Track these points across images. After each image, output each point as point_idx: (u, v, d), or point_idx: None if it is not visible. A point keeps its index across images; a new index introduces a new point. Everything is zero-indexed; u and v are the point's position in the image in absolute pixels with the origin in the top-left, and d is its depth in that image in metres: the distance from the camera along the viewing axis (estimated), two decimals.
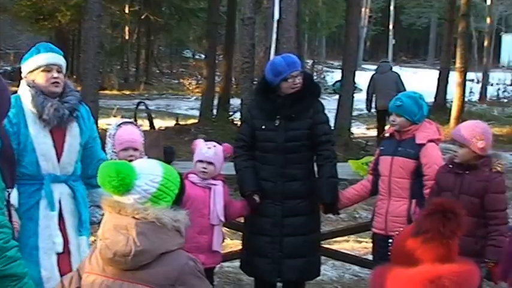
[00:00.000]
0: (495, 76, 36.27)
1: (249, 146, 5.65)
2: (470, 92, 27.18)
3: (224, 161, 5.50)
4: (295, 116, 5.52)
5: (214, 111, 18.26)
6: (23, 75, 4.68)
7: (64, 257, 4.61)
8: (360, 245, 8.30)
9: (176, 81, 35.74)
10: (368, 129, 20.08)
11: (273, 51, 10.19)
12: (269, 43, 10.46)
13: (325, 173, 5.59)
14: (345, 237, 8.26)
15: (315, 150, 5.61)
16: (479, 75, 33.11)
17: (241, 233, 6.16)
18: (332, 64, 43.32)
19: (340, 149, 11.74)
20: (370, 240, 5.87)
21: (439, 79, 22.74)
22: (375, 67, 17.98)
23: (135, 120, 6.50)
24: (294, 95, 5.51)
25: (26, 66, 4.65)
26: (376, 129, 16.57)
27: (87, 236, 4.80)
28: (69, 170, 4.69)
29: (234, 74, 21.36)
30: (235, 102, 18.09)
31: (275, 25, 10.39)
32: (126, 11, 29.68)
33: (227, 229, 6.93)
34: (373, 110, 16.26)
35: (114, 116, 17.21)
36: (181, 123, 17.73)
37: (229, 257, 6.59)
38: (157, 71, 39.25)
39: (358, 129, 19.69)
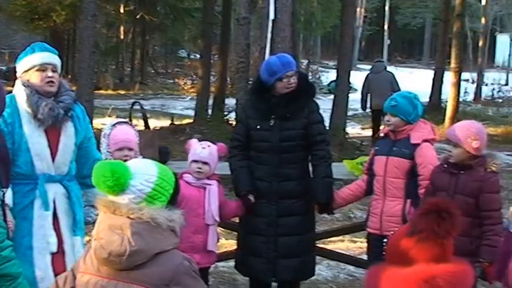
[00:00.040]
0: (490, 76, 36.38)
1: (244, 145, 5.65)
2: (465, 92, 27.26)
3: (219, 160, 5.50)
4: (290, 115, 5.52)
5: (209, 111, 18.26)
6: (18, 74, 4.68)
7: (58, 257, 4.60)
8: (354, 245, 8.31)
9: (171, 81, 35.75)
10: (363, 129, 20.10)
11: (268, 51, 10.18)
12: (264, 43, 10.44)
13: (320, 172, 5.59)
14: (340, 237, 8.27)
15: (310, 150, 5.61)
16: (474, 75, 33.16)
17: (236, 233, 6.15)
18: (327, 64, 43.34)
19: (335, 148, 11.74)
20: (365, 240, 5.87)
21: (433, 79, 22.81)
22: (370, 67, 17.99)
23: (130, 120, 6.50)
24: (288, 95, 5.51)
25: (21, 65, 4.64)
26: (371, 129, 16.59)
27: (82, 236, 4.79)
28: (64, 169, 4.69)
29: (229, 73, 21.35)
30: (230, 102, 18.10)
31: (270, 25, 10.38)
32: (121, 10, 29.65)
33: (222, 229, 6.93)
34: (368, 110, 16.27)
35: (109, 116, 17.20)
36: (176, 123, 17.73)
37: (224, 256, 6.59)
38: (153, 71, 39.26)
39: (353, 129, 19.72)
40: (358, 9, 40.65)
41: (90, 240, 3.28)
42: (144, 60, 36.15)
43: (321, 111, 5.72)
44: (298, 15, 26.18)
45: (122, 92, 28.93)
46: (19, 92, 4.58)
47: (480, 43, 34.69)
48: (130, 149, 5.08)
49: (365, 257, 6.21)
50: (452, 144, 4.96)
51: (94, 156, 4.88)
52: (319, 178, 5.58)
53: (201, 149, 5.41)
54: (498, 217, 4.90)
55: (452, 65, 20.16)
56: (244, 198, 5.57)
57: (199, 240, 5.33)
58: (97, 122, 14.18)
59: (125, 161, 3.37)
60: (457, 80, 20.03)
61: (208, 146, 5.45)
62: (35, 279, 4.46)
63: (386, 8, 50.37)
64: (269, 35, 10.36)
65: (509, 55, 43.87)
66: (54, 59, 4.65)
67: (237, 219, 5.98)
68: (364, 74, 17.18)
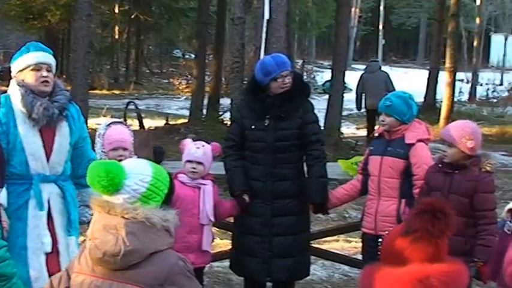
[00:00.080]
0: (484, 76, 36.35)
1: (238, 145, 5.65)
2: (460, 92, 27.28)
3: (213, 160, 5.50)
4: (284, 115, 5.52)
5: (204, 111, 18.25)
6: (12, 74, 4.67)
7: (53, 257, 4.60)
8: (349, 245, 8.31)
9: (166, 81, 35.69)
10: (358, 129, 20.09)
11: (262, 51, 10.17)
12: (259, 43, 10.43)
13: (314, 172, 5.59)
14: (335, 237, 8.27)
15: (305, 150, 5.61)
16: (469, 75, 33.17)
17: (231, 233, 6.16)
18: (322, 64, 43.27)
19: (330, 148, 11.75)
20: (360, 239, 5.88)
21: (428, 79, 22.83)
22: (364, 67, 18.00)
23: (125, 120, 6.51)
24: (283, 95, 5.51)
25: (16, 65, 4.64)
26: (365, 129, 16.59)
27: (76, 236, 4.79)
28: (59, 169, 4.68)
29: (224, 73, 21.36)
30: (225, 102, 18.10)
31: (265, 25, 10.37)
32: (116, 10, 29.62)
33: (217, 229, 6.92)
34: (363, 110, 16.28)
35: (104, 116, 17.18)
36: (171, 123, 17.71)
37: (219, 256, 6.58)
38: (147, 71, 39.20)
39: (348, 129, 19.71)
40: (353, 9, 40.59)
41: (84, 240, 3.28)
42: (139, 60, 36.12)
43: (315, 111, 5.73)
44: (293, 15, 26.15)
45: (117, 92, 28.89)
46: (14, 92, 4.57)
47: (475, 43, 34.68)
48: (125, 149, 5.08)
49: (360, 256, 6.22)
50: (447, 144, 4.97)
51: (89, 156, 4.88)
52: (314, 178, 5.58)
53: (195, 149, 5.41)
54: (493, 217, 4.91)
55: (447, 64, 20.18)
56: (239, 198, 5.57)
57: (194, 240, 5.33)
58: (92, 122, 14.15)
59: (120, 160, 3.37)
60: (451, 80, 20.04)
61: (203, 145, 5.45)
62: (30, 279, 4.46)
63: (381, 8, 50.37)
64: (264, 35, 10.35)
65: (504, 55, 43.95)
66: (49, 59, 4.64)
67: (231, 219, 5.98)
68: (359, 73, 17.17)
